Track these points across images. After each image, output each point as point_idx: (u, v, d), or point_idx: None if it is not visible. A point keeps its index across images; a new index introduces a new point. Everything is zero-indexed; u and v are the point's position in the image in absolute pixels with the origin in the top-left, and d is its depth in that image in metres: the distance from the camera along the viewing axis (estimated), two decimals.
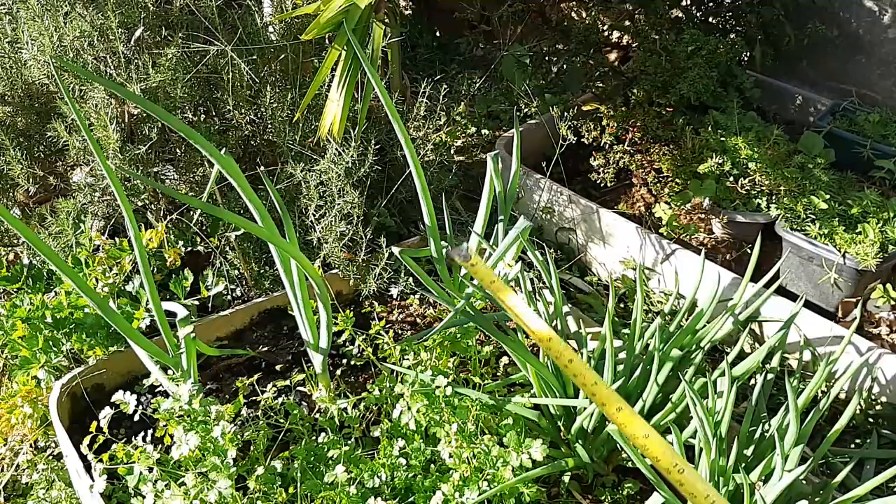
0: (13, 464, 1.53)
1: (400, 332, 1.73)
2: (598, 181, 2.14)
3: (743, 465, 1.28)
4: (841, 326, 1.67)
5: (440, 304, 1.75)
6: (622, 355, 1.46)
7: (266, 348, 1.69)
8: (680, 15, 2.52)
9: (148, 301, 1.58)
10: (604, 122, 2.23)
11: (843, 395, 1.65)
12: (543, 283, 1.72)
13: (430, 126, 1.97)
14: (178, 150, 1.84)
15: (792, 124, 2.52)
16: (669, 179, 2.08)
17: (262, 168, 1.67)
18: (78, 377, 1.49)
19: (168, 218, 1.84)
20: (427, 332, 1.48)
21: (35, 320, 1.54)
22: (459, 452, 1.24)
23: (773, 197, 1.98)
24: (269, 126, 1.85)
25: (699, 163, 2.05)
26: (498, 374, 1.56)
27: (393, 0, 1.68)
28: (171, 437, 1.25)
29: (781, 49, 2.48)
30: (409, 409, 1.31)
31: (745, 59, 2.47)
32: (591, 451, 1.39)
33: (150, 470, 1.23)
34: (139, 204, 1.83)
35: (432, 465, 1.29)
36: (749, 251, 1.98)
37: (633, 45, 2.59)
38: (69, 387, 1.47)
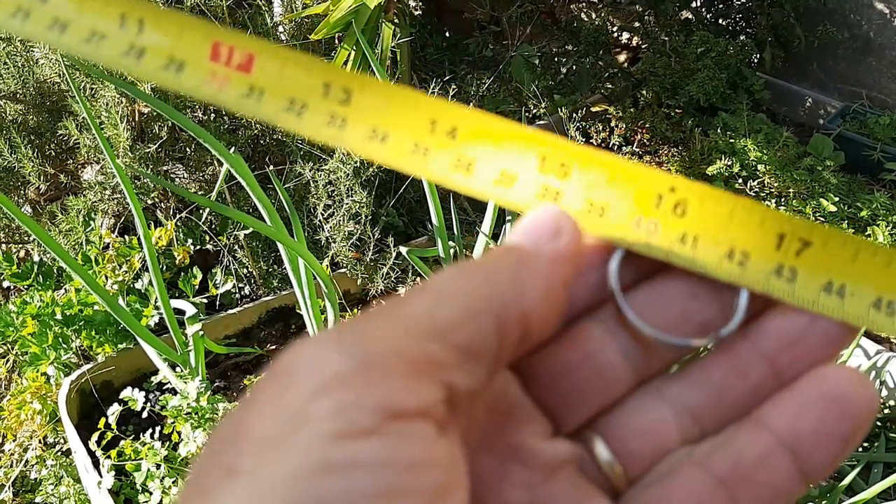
0: (22, 459, 1.54)
1: None
2: None
3: None
4: None
5: None
6: None
7: (274, 347, 1.69)
8: (690, 16, 2.52)
9: (157, 299, 1.58)
10: (613, 124, 2.23)
11: None
12: None
13: None
14: (187, 149, 1.85)
15: (802, 127, 2.51)
16: None
17: (270, 167, 1.68)
18: (87, 374, 1.49)
19: (177, 216, 1.85)
20: None
21: (45, 317, 1.55)
22: None
23: (782, 199, 1.97)
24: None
25: (708, 165, 2.05)
26: None
27: (402, 0, 1.68)
28: (179, 434, 1.25)
29: (791, 51, 2.48)
30: None
31: (755, 61, 2.46)
32: None
33: (158, 466, 1.23)
34: (149, 202, 1.84)
35: None
36: None
37: (643, 46, 2.59)
38: (78, 383, 1.48)
